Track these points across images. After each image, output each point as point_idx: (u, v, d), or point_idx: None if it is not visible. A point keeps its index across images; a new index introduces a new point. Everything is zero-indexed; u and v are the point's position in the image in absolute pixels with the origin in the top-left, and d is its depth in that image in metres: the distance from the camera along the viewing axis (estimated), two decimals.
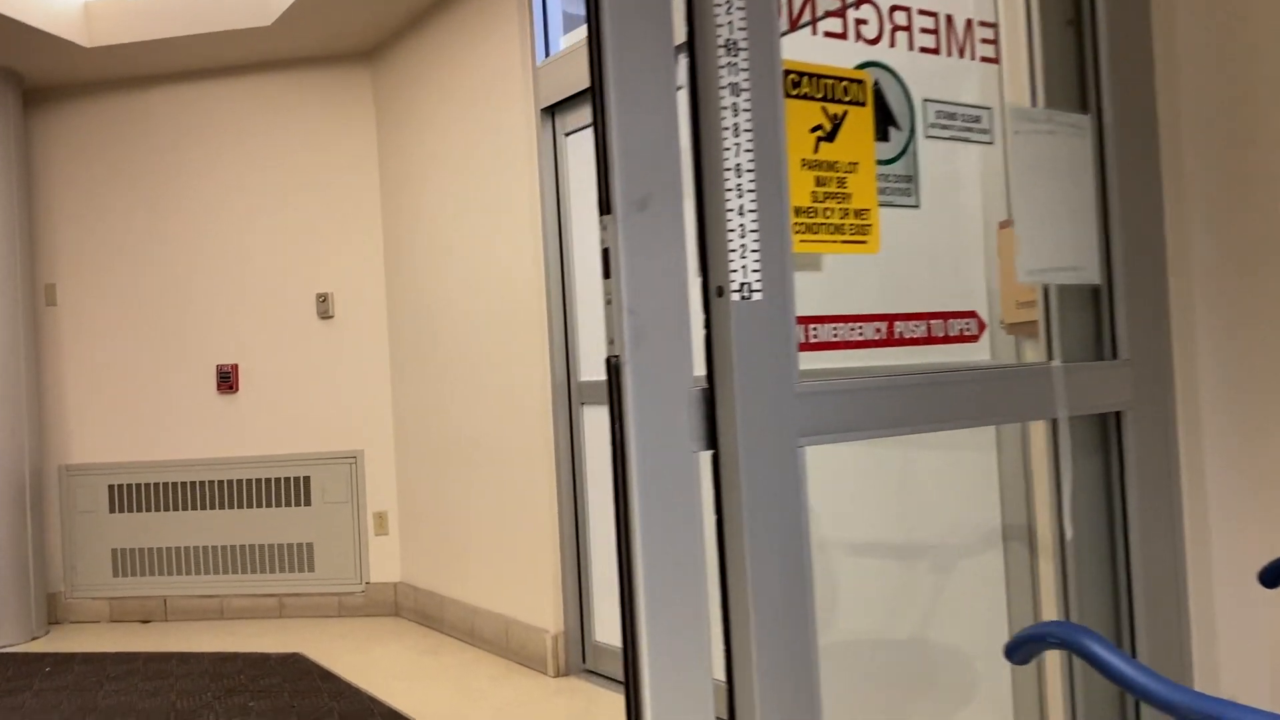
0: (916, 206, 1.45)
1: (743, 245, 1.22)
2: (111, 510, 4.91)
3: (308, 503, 4.76)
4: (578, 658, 3.64)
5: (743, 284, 1.22)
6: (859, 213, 1.34)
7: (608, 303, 1.21)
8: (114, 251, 4.98)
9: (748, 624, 1.22)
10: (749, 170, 1.23)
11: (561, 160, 3.66)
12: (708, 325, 1.25)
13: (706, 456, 1.25)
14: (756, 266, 1.23)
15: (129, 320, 4.94)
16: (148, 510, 4.88)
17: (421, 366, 4.45)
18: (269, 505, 4.78)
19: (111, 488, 4.92)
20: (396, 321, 4.67)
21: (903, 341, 1.43)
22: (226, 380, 4.84)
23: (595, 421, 3.54)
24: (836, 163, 1.32)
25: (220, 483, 4.82)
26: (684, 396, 1.21)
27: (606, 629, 3.54)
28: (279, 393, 4.82)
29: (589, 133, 3.53)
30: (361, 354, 4.77)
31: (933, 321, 1.47)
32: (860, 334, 1.39)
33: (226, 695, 3.57)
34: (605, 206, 1.20)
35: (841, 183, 1.32)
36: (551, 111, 3.68)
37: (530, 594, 3.72)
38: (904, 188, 1.44)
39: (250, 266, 4.87)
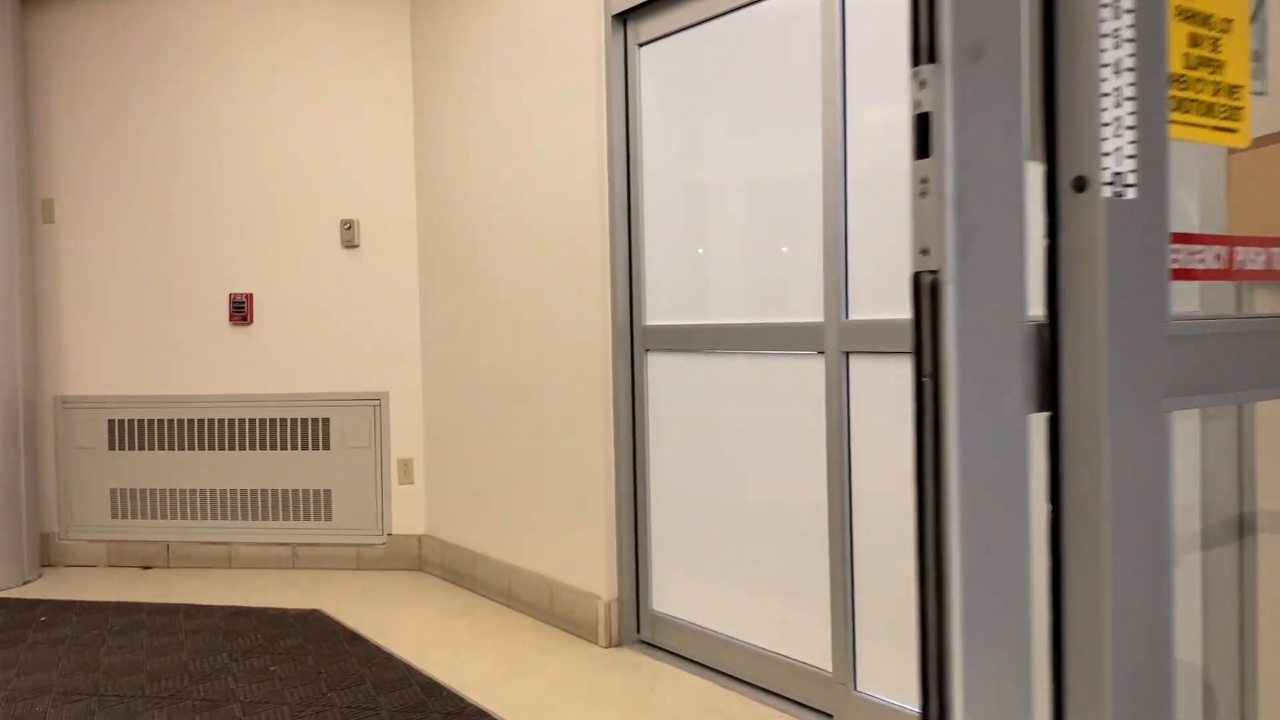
0: (1264, 94, 1.08)
1: (1117, 119, 0.85)
2: (111, 447, 4.54)
3: (326, 446, 4.40)
4: (631, 627, 3.31)
5: (1115, 175, 0.85)
6: (1231, 90, 0.97)
7: (922, 194, 0.84)
8: (119, 166, 4.56)
9: (1100, 644, 0.87)
10: (1127, 9, 0.86)
11: (634, 75, 3.26)
12: (1051, 234, 0.88)
13: (1039, 421, 0.89)
14: (1132, 151, 0.86)
15: (134, 241, 4.54)
16: (151, 449, 4.51)
17: (455, 304, 4.07)
18: (284, 448, 4.42)
19: (112, 423, 4.54)
20: (428, 253, 4.27)
21: (1247, 274, 1.07)
22: (240, 311, 4.45)
23: (662, 371, 3.18)
24: (1211, 16, 0.95)
25: (231, 421, 4.45)
26: (1016, 335, 0.85)
27: (666, 598, 3.21)
28: (297, 327, 4.43)
29: (668, 44, 3.13)
30: (388, 288, 4.38)
31: None
32: (1201, 261, 1.03)
33: (243, 656, 3.23)
34: (924, 53, 0.83)
35: (1215, 45, 0.95)
36: (624, 18, 3.27)
37: (580, 557, 3.39)
38: (1252, 67, 1.07)
39: (269, 188, 4.45)
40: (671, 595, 3.20)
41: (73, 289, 4.58)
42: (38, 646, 3.36)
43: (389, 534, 4.39)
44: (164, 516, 4.50)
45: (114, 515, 4.54)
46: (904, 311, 2.35)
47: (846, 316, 2.52)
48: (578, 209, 3.33)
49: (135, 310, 4.53)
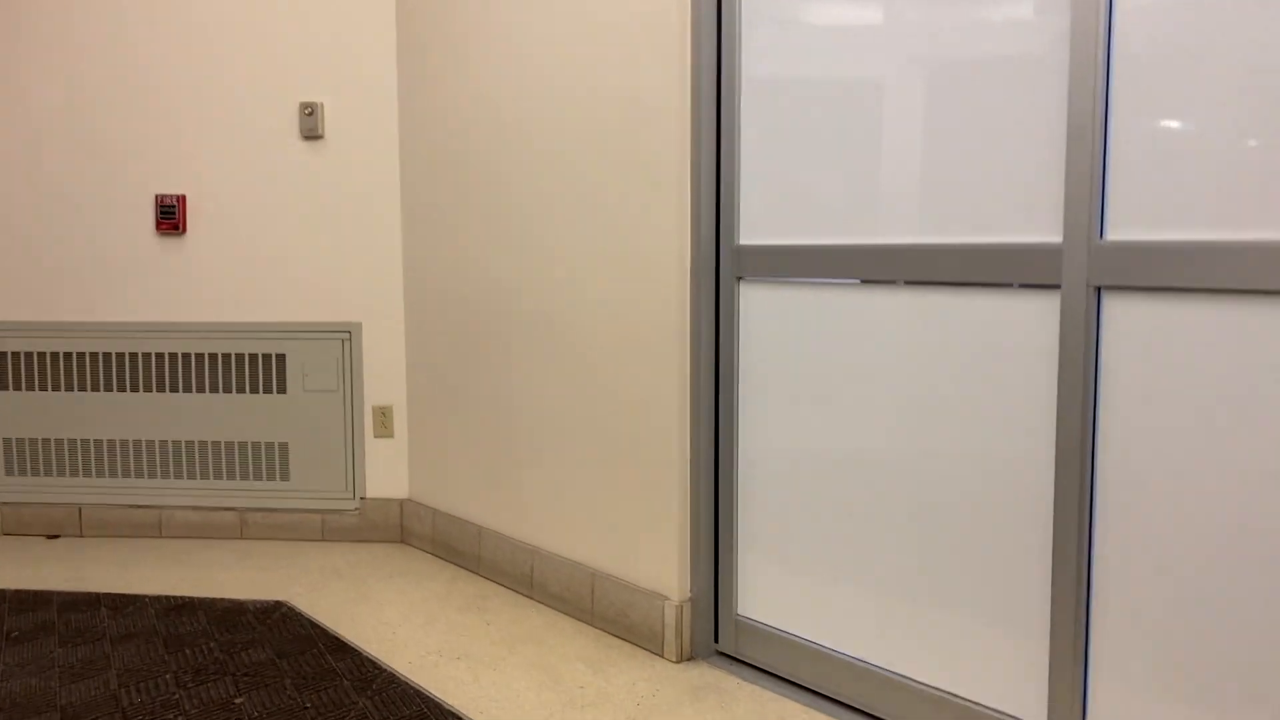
0: None
1: None
2: (3, 387, 3.59)
3: (281, 389, 3.52)
4: (707, 635, 2.58)
5: None
6: None
7: None
8: (12, 29, 3.53)
9: None
10: None
11: None
12: None
13: None
14: None
15: (32, 125, 3.53)
16: (55, 389, 3.57)
17: (454, 211, 3.20)
18: (228, 390, 3.53)
19: (2, 356, 3.58)
20: (415, 146, 3.38)
21: None
22: (169, 216, 3.50)
23: (763, 306, 2.39)
24: None
25: (160, 357, 3.54)
26: None
27: (756, 600, 2.48)
28: (243, 238, 3.51)
29: None
30: (361, 189, 3.48)
31: None
32: None
33: (195, 679, 2.41)
34: None
35: None
36: None
37: (639, 543, 2.63)
38: None
39: (208, 60, 3.48)
40: (765, 597, 2.46)
41: None
42: None
43: (362, 497, 3.56)
44: (74, 474, 3.59)
45: (9, 471, 3.61)
46: (1223, 229, 1.60)
47: (1101, 236, 1.76)
48: (648, 88, 2.49)
49: (33, 212, 3.55)
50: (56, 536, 3.61)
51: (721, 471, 2.52)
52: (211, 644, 2.62)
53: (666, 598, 2.55)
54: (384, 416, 3.53)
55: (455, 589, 3.07)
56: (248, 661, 2.51)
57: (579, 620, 2.81)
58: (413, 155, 3.39)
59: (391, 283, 3.49)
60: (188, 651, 2.57)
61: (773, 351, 2.38)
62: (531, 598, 2.98)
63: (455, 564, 3.30)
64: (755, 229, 2.40)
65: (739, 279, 2.45)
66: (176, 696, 2.32)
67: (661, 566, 2.57)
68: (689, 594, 2.55)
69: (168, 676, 2.42)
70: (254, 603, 2.93)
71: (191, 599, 2.95)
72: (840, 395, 2.23)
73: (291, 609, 2.89)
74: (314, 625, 2.76)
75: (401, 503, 3.55)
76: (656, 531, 2.57)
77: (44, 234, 3.54)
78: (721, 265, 2.48)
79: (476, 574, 3.20)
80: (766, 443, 2.41)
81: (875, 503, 2.18)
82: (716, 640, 2.58)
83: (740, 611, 2.53)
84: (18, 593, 3.00)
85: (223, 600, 2.95)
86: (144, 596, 2.97)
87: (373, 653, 2.58)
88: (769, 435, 2.40)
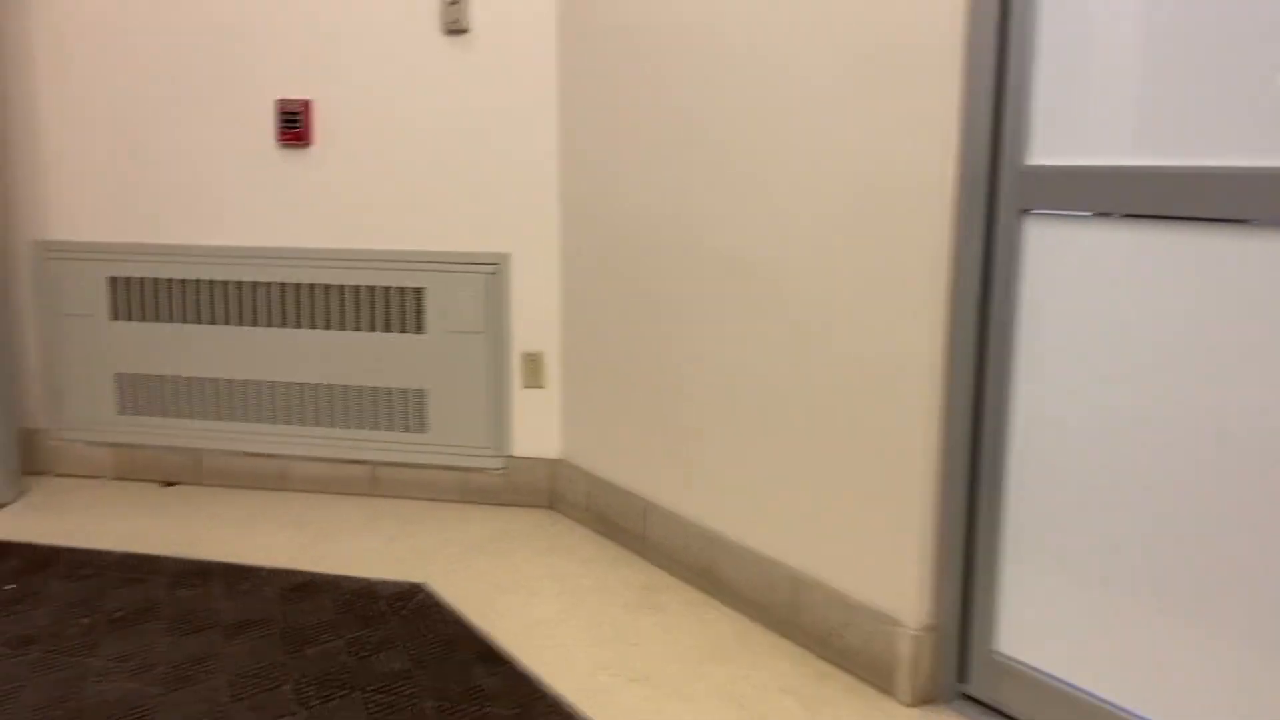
0: None
1: None
2: (115, 316, 3.21)
3: (419, 329, 3.05)
4: (950, 673, 2.01)
5: None
6: None
7: None
8: None
9: None
10: None
11: None
12: None
13: None
14: None
15: (138, 23, 3.08)
16: (170, 319, 3.18)
17: (620, 123, 2.63)
18: (359, 328, 3.08)
19: (114, 282, 3.20)
20: (575, 41, 2.80)
21: None
22: (294, 126, 3.03)
23: (1058, 249, 1.76)
24: None
25: (281, 287, 3.10)
26: None
27: (1023, 631, 1.89)
28: (377, 150, 3.02)
29: None
30: (511, 94, 2.94)
31: None
32: None
33: (319, 692, 1.97)
34: None
35: None
36: None
37: (863, 545, 2.06)
38: None
39: None
40: (1034, 629, 1.88)
41: (53, 93, 3.15)
42: None
43: (508, 455, 3.08)
44: (192, 416, 3.21)
45: (121, 410, 3.25)
46: None
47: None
48: None
49: (143, 122, 3.12)
50: (172, 484, 3.26)
51: (983, 462, 1.92)
52: (338, 642, 2.18)
53: (899, 622, 1.99)
54: (534, 364, 3.03)
55: (618, 576, 2.58)
56: (380, 671, 2.06)
57: (775, 632, 2.27)
58: (574, 53, 2.82)
59: (546, 209, 2.96)
60: (310, 652, 2.14)
61: (1069, 312, 1.75)
62: (712, 596, 2.46)
63: (616, 542, 2.80)
64: (1054, 143, 1.76)
65: (1024, 212, 1.81)
66: (298, 715, 1.88)
67: (894, 579, 2.00)
68: (930, 619, 1.98)
69: (286, 688, 1.98)
70: (386, 585, 2.49)
71: (316, 576, 2.53)
72: (1176, 373, 1.59)
73: (430, 595, 2.44)
74: (457, 621, 2.30)
75: (553, 464, 3.06)
76: (888, 533, 2.00)
77: (154, 145, 3.12)
78: (1000, 192, 1.84)
79: (641, 557, 2.70)
80: (1054, 431, 1.80)
81: (1215, 512, 1.55)
82: (963, 680, 2.01)
83: (998, 646, 1.94)
84: (126, 558, 2.63)
85: (351, 580, 2.52)
86: (262, 570, 2.57)
87: (530, 666, 2.10)
88: (1059, 419, 1.79)
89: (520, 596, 2.45)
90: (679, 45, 2.42)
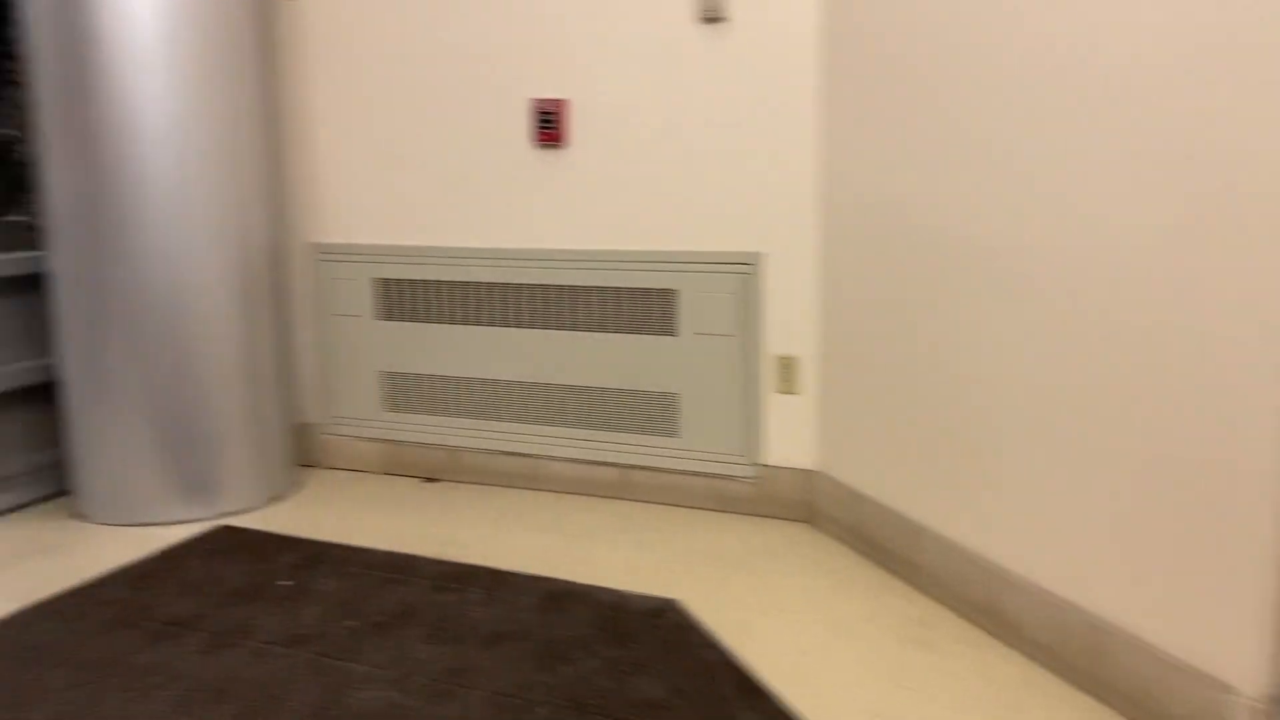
0: None
1: None
2: (379, 316, 3.32)
3: (671, 331, 2.96)
4: None
5: None
6: None
7: None
8: None
9: None
10: None
11: None
12: None
13: None
14: None
15: (401, 31, 3.15)
16: (430, 320, 3.24)
17: (897, 108, 2.41)
18: (611, 330, 3.02)
19: (380, 284, 3.30)
20: (842, 29, 2.60)
21: None
22: (549, 126, 3.00)
23: None
24: None
25: (534, 289, 3.09)
26: None
27: None
28: (628, 148, 2.94)
29: None
30: (768, 85, 2.77)
31: None
32: None
33: (577, 717, 1.90)
34: None
35: None
36: None
37: (1186, 595, 1.77)
38: None
39: None
40: None
41: (322, 89, 3.28)
42: (264, 656, 2.18)
43: (761, 465, 2.94)
44: (450, 413, 3.27)
45: (386, 407, 3.36)
46: None
47: None
48: None
49: (405, 127, 3.19)
50: (434, 480, 3.33)
51: None
52: (594, 661, 2.11)
53: (1231, 688, 1.69)
54: (788, 369, 2.86)
55: (886, 605, 2.38)
56: (636, 697, 1.97)
57: (1069, 683, 2.01)
58: (839, 41, 2.62)
59: (801, 205, 2.78)
60: (565, 670, 2.07)
61: None
62: (993, 635, 2.21)
63: (880, 565, 2.60)
64: None
65: None
66: None
67: (1225, 636, 1.70)
68: (1274, 688, 1.67)
69: (540, 711, 1.92)
70: (639, 599, 2.41)
71: (570, 586, 2.48)
72: None
73: (683, 614, 2.33)
74: (712, 644, 2.18)
75: (808, 475, 2.89)
76: (1221, 581, 1.70)
77: (416, 149, 3.18)
78: None
79: (910, 584, 2.48)
80: None
81: None
82: None
83: None
84: (389, 557, 2.68)
85: (604, 591, 2.45)
86: (519, 576, 2.55)
87: (793, 703, 1.95)
88: None
89: (778, 621, 2.30)
90: (959, 27, 2.17)
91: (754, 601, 2.40)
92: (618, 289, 2.99)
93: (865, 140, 2.54)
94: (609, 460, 3.10)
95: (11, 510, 3.08)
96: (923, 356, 2.39)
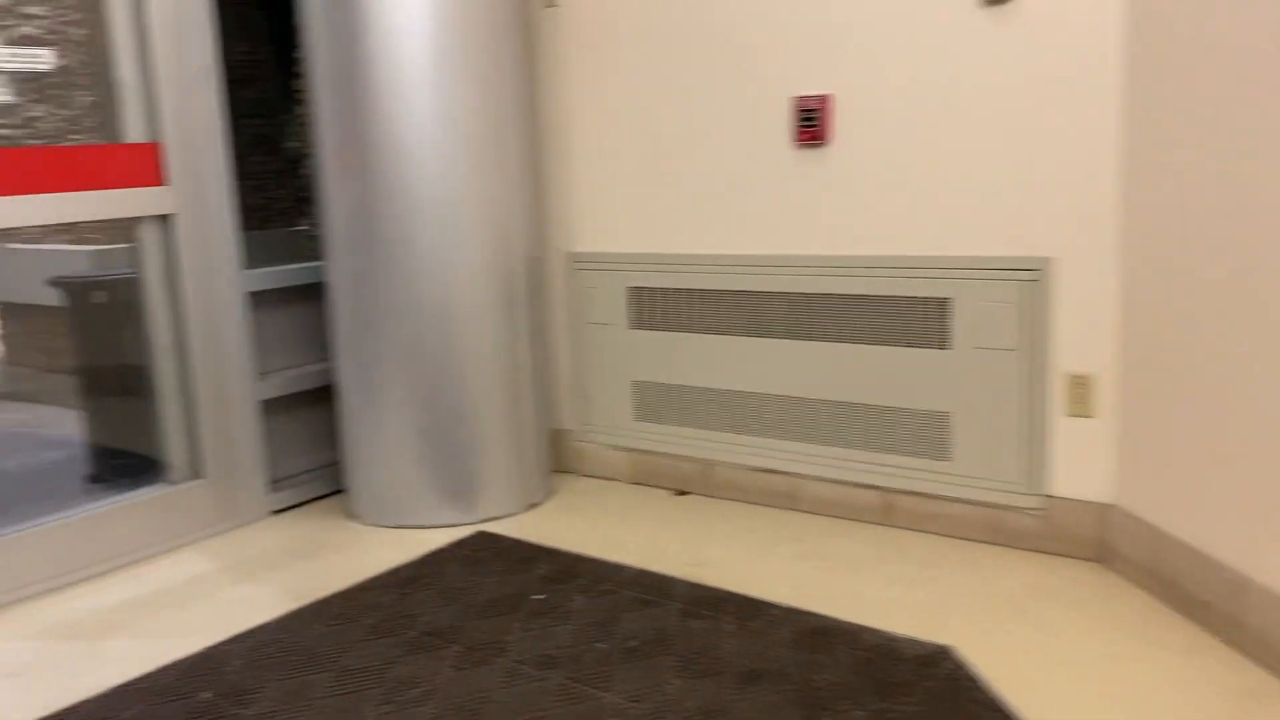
0: None
1: None
2: (633, 325, 3.26)
3: (944, 344, 2.71)
4: None
5: None
6: None
7: None
8: None
9: None
10: None
11: None
12: None
13: None
14: None
15: (653, 24, 3.06)
16: (684, 329, 3.15)
17: (1237, 96, 2.05)
18: (876, 342, 2.81)
19: (634, 292, 3.24)
20: (1158, 2, 2.26)
21: None
22: (810, 124, 2.82)
23: None
24: None
25: (793, 297, 2.92)
26: None
27: None
28: (895, 145, 2.71)
29: None
30: (1059, 72, 2.47)
31: None
32: None
33: None
34: None
35: None
36: None
37: None
38: None
39: None
40: None
41: (581, 94, 3.25)
42: (516, 678, 2.14)
43: (1046, 495, 2.64)
44: (704, 425, 3.16)
45: (638, 417, 3.30)
46: None
47: None
48: None
49: (660, 131, 3.10)
50: (684, 493, 3.24)
51: None
52: (860, 714, 1.92)
53: None
54: (1081, 389, 2.55)
55: (1201, 670, 2.04)
56: None
57: None
58: (1151, 16, 2.28)
59: (1099, 204, 2.46)
60: (825, 717, 1.91)
61: None
62: None
63: (1191, 619, 2.25)
64: None
65: None
66: None
67: None
68: None
69: None
70: (909, 643, 2.20)
71: (831, 623, 2.31)
72: None
73: (959, 664, 2.10)
74: (993, 704, 1.94)
75: (1102, 510, 2.56)
76: None
77: (672, 153, 3.09)
78: None
79: (1232, 647, 2.13)
80: None
81: None
82: None
83: None
84: (640, 575, 2.60)
85: (869, 631, 2.26)
86: (774, 607, 2.40)
87: None
88: None
89: (1069, 679, 2.02)
90: None
91: (1040, 653, 2.13)
92: (884, 297, 2.77)
93: (1190, 132, 2.19)
94: (872, 483, 2.89)
95: (295, 507, 3.26)
96: (1257, 377, 2.03)
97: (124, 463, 3.35)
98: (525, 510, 3.13)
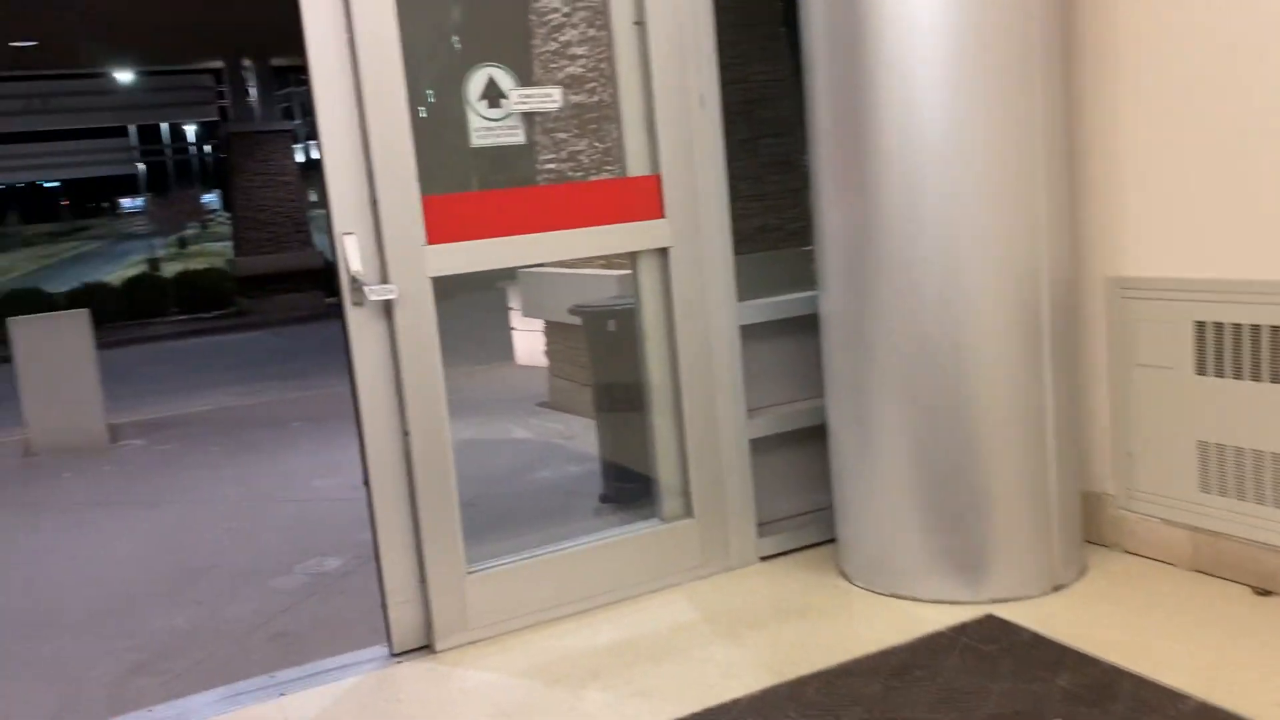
0: None
1: None
2: (1200, 370, 2.56)
3: None
4: None
5: None
6: None
7: None
8: None
9: None
10: None
11: None
12: None
13: None
14: None
15: (1231, 24, 2.35)
16: (1273, 379, 2.40)
17: None
18: None
19: (1200, 327, 2.54)
20: None
21: None
22: None
23: None
24: None
25: None
26: None
27: None
28: None
29: None
30: None
31: None
32: None
33: None
34: None
35: None
36: None
37: None
38: None
39: None
40: None
41: (1134, 96, 2.63)
42: None
43: None
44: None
45: (1204, 487, 2.59)
46: None
47: None
48: None
49: (1237, 121, 2.39)
50: (1268, 594, 2.48)
51: None
52: None
53: None
54: None
55: None
56: None
57: None
58: None
59: None
60: None
61: None
62: None
63: None
64: None
65: None
66: None
67: None
68: None
69: None
70: None
71: None
72: None
73: None
74: None
75: None
76: None
77: (1253, 149, 2.35)
78: None
79: None
80: None
81: None
82: None
83: None
84: (1203, 712, 1.97)
85: None
86: None
87: None
88: None
89: None
90: None
91: None
92: None
93: None
94: None
95: (781, 555, 3.04)
96: None
97: (632, 486, 3.38)
98: (1047, 592, 2.59)
